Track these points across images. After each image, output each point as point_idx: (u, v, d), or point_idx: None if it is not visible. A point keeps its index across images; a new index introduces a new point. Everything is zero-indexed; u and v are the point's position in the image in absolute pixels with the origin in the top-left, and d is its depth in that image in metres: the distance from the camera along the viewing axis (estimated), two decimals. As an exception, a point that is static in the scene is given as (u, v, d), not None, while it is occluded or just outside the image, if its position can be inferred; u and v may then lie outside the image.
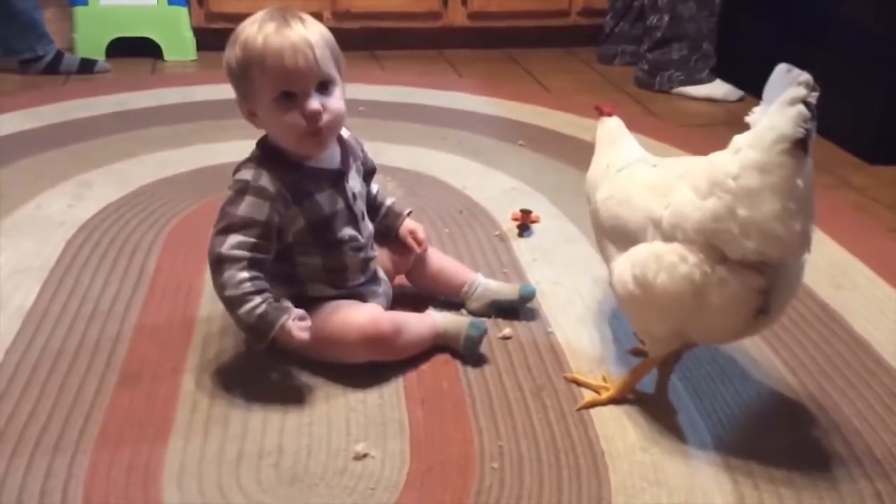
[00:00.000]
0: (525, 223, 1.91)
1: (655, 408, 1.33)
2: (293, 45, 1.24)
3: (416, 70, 3.26)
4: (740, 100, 3.03)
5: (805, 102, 1.05)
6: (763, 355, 1.48)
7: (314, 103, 1.27)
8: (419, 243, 1.55)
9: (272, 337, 1.27)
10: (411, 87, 2.97)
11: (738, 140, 1.13)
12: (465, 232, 1.90)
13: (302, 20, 1.28)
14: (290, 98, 1.27)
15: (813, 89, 1.06)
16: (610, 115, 1.51)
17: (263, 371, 1.38)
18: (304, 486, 1.15)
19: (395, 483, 1.16)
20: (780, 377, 1.43)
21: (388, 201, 1.56)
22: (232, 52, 1.30)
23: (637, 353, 1.46)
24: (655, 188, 1.24)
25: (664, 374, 1.37)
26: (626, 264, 1.23)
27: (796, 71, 1.07)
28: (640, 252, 1.22)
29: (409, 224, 1.56)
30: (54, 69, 3.01)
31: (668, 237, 1.17)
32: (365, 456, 1.20)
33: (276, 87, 1.27)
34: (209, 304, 1.56)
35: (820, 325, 1.59)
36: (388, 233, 1.55)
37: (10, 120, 2.50)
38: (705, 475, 1.20)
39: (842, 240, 1.92)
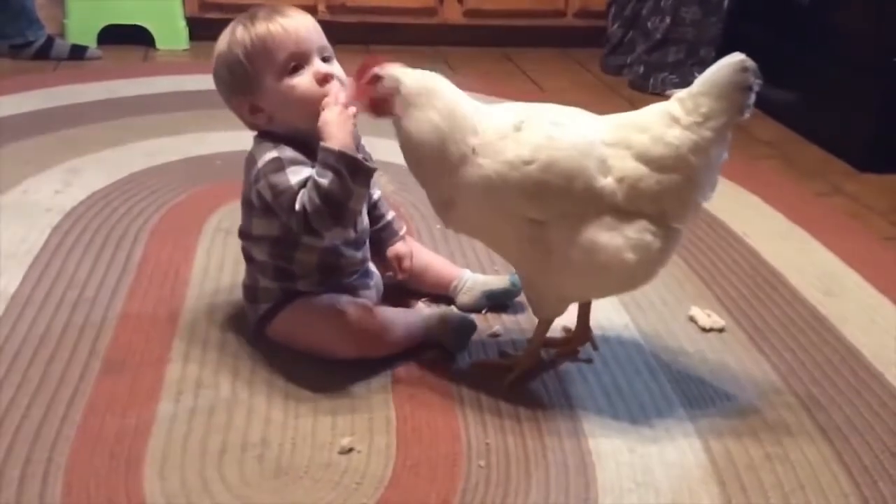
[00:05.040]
0: (517, 221, 1.90)
1: (643, 408, 1.32)
2: (297, 18, 1.31)
3: (410, 66, 3.23)
4: (734, 104, 3.03)
5: (750, 88, 1.17)
6: (753, 360, 1.48)
7: (323, 66, 1.31)
8: (402, 271, 1.52)
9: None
10: (405, 82, 2.95)
11: (680, 114, 1.20)
12: (456, 228, 1.89)
13: (286, 10, 1.32)
14: (299, 70, 1.30)
15: (758, 77, 1.17)
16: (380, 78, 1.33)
17: (250, 363, 1.36)
18: (288, 480, 1.13)
19: (380, 478, 1.14)
20: (770, 382, 1.43)
21: (389, 216, 1.54)
22: (229, 52, 1.30)
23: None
24: (586, 153, 1.21)
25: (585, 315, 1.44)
26: (580, 252, 1.22)
27: (743, 57, 1.17)
28: (604, 239, 1.21)
29: (399, 248, 1.53)
30: (45, 55, 2.98)
31: (627, 212, 1.21)
32: (351, 450, 1.19)
33: (284, 57, 1.28)
34: (196, 294, 1.55)
35: (810, 330, 1.58)
36: (378, 245, 1.53)
37: (-1, 104, 2.47)
38: (693, 478, 1.19)
39: (833, 246, 1.92)
